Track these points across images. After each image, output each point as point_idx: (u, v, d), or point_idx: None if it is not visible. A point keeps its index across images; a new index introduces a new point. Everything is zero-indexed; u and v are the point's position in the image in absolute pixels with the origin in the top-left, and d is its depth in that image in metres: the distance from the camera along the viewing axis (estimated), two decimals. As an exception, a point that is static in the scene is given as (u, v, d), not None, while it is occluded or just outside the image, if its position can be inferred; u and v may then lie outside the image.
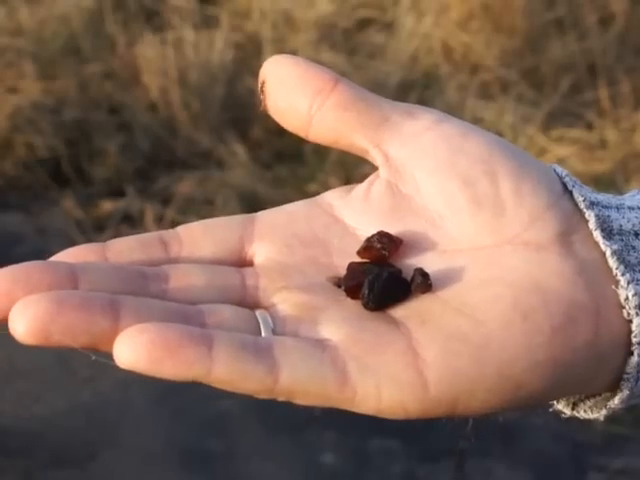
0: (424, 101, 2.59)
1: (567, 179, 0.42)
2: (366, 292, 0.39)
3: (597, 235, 0.41)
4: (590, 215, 0.41)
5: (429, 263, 0.41)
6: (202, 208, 2.32)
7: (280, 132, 2.28)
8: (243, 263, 0.41)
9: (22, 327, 0.35)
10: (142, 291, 0.38)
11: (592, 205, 0.42)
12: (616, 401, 0.42)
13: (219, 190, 2.37)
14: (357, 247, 0.41)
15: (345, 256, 0.41)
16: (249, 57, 2.73)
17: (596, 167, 2.40)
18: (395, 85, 2.60)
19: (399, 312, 0.39)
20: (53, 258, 0.39)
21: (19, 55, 2.66)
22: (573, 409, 0.44)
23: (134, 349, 0.34)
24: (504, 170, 0.41)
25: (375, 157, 0.42)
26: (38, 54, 2.68)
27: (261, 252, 0.41)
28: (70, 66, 2.67)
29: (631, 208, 0.43)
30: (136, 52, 2.68)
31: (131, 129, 2.56)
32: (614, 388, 0.41)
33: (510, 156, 0.42)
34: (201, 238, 0.41)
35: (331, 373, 0.36)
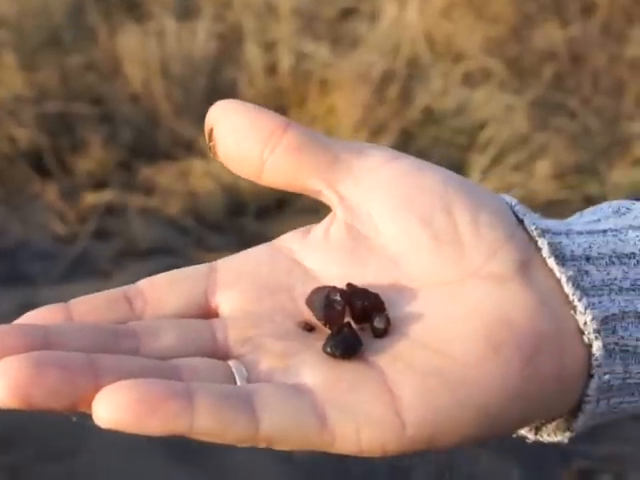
0: (408, 90, 2.59)
1: (517, 208, 0.43)
2: (330, 347, 0.39)
3: (552, 262, 0.41)
4: (543, 243, 0.41)
5: (395, 303, 0.41)
6: (185, 199, 2.32)
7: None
8: (209, 314, 0.41)
9: (2, 391, 0.34)
10: (115, 349, 0.38)
11: (544, 233, 0.42)
12: (579, 423, 0.42)
13: (202, 181, 2.37)
14: None
15: None
16: (231, 47, 2.73)
17: (579, 155, 2.41)
18: (378, 75, 2.60)
19: (371, 353, 0.39)
20: (19, 321, 0.39)
21: (0, 46, 2.64)
22: (536, 433, 0.44)
23: (116, 407, 0.34)
24: (460, 205, 0.41)
25: (329, 197, 0.42)
26: (19, 45, 2.66)
27: (227, 302, 0.41)
28: (51, 57, 2.65)
29: (579, 233, 0.43)
30: (118, 43, 2.67)
31: (113, 120, 2.55)
32: (575, 410, 0.42)
33: (465, 190, 0.42)
34: (165, 292, 0.41)
35: (311, 418, 0.36)
